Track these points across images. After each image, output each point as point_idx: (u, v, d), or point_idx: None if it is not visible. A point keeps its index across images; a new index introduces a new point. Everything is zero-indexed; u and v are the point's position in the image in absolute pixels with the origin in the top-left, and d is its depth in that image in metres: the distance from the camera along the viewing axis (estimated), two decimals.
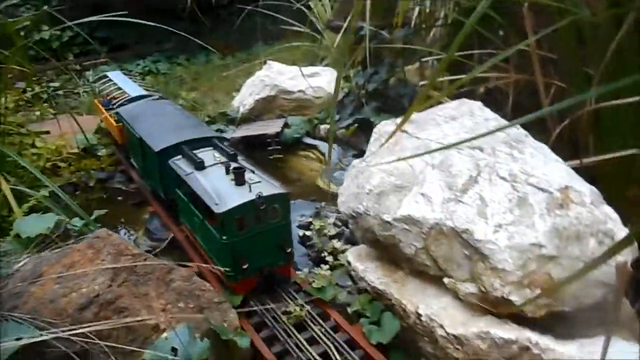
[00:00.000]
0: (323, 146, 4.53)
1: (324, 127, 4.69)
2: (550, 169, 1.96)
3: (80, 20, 3.26)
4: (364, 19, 4.29)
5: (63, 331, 1.49)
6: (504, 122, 2.31)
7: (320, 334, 2.24)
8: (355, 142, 4.40)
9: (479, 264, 1.88)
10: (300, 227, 3.28)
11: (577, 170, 2.05)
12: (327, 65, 5.90)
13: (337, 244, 2.99)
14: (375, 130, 2.60)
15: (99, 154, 4.44)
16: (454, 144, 2.03)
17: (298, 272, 2.71)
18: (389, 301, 2.27)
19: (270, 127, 4.73)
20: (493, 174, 1.99)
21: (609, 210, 1.85)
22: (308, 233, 3.16)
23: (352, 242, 2.97)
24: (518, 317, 1.83)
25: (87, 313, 1.76)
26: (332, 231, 3.15)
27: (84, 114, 5.53)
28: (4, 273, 1.94)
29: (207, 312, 1.99)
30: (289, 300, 2.43)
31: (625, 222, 1.86)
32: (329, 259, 2.86)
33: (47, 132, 4.31)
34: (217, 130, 4.67)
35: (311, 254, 3.03)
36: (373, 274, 2.39)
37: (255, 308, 2.34)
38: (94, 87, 5.08)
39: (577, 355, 1.68)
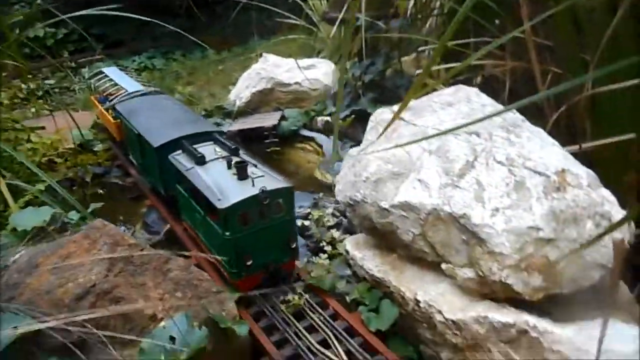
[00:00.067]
0: (320, 138, 4.52)
1: (320, 119, 4.68)
2: (547, 152, 1.95)
3: (75, 14, 3.23)
4: (359, 10, 4.27)
5: (59, 319, 1.48)
6: (500, 107, 2.30)
7: (319, 322, 2.24)
8: (353, 133, 4.39)
9: (476, 248, 1.88)
10: (298, 217, 3.28)
11: (575, 155, 2.05)
12: (323, 57, 5.88)
13: (335, 233, 2.99)
14: (371, 118, 2.59)
15: (95, 149, 4.43)
16: (451, 130, 2.02)
17: (297, 262, 2.71)
18: (387, 289, 2.27)
19: (267, 119, 4.72)
20: (490, 158, 1.98)
21: (606, 192, 1.84)
22: (306, 223, 3.15)
23: (350, 232, 2.97)
24: (516, 301, 1.83)
25: (83, 303, 1.76)
26: (331, 221, 3.15)
27: (79, 110, 5.51)
28: (1, 265, 1.94)
29: (205, 301, 1.99)
30: (288, 290, 2.42)
31: (623, 207, 1.86)
32: (328, 248, 2.86)
33: (43, 128, 4.30)
34: (214, 124, 4.66)
35: (309, 244, 3.03)
36: (371, 262, 2.39)
37: (253, 293, 2.32)
38: (89, 84, 5.02)
39: (575, 337, 1.68)
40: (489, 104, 2.30)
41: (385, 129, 2.25)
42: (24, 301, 1.74)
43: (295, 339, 2.15)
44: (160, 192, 3.24)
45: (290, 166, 4.44)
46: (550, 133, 2.20)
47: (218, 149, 2.71)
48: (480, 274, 1.87)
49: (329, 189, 3.55)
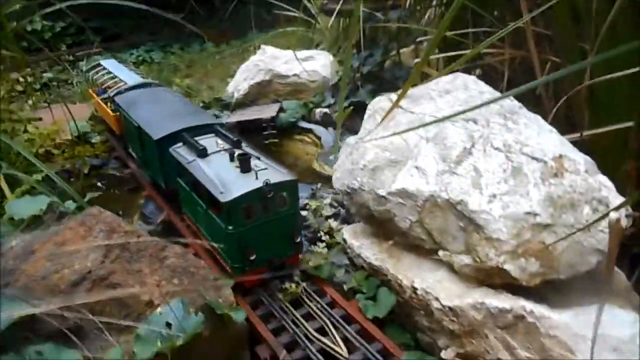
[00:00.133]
0: (318, 130, 4.51)
1: (319, 111, 4.67)
2: (545, 138, 1.94)
3: (73, 2, 3.20)
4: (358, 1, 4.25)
5: (54, 304, 1.48)
6: (498, 94, 2.29)
7: (317, 310, 2.24)
8: (351, 124, 4.37)
9: (473, 234, 1.88)
10: None
11: (574, 144, 2.04)
12: (322, 49, 5.86)
13: (333, 223, 2.99)
14: (369, 106, 2.58)
15: (93, 141, 4.42)
16: (448, 117, 2.02)
17: None
18: (384, 277, 2.26)
19: (265, 111, 4.71)
20: (487, 144, 1.98)
21: (603, 178, 1.83)
22: (304, 213, 3.15)
23: (348, 221, 2.97)
24: (513, 287, 1.82)
25: (79, 289, 1.75)
26: (328, 211, 3.15)
27: (77, 103, 5.49)
28: None
29: (202, 288, 1.98)
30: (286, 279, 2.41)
31: (621, 194, 1.85)
32: (325, 238, 2.85)
33: (40, 119, 4.29)
34: (213, 116, 4.64)
35: (307, 234, 3.03)
36: (369, 250, 2.39)
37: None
38: (87, 76, 4.98)
39: (572, 323, 1.67)
40: (487, 92, 2.29)
41: (384, 117, 2.24)
42: (20, 287, 1.74)
43: (293, 326, 2.16)
44: (160, 186, 3.19)
45: (289, 158, 4.43)
46: (550, 123, 2.19)
47: (220, 141, 2.66)
48: (477, 260, 1.87)
49: (327, 180, 3.54)
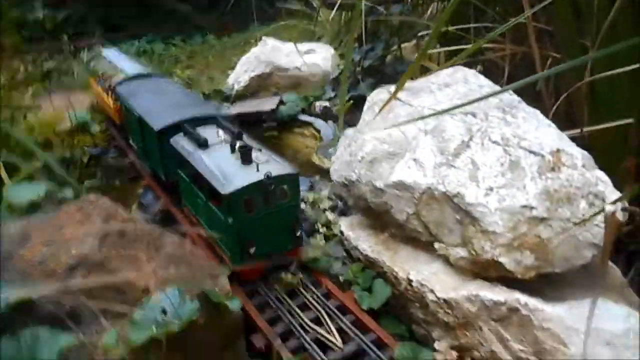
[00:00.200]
0: (318, 123, 4.50)
1: (319, 104, 4.66)
2: (543, 132, 1.94)
3: None
4: None
5: (51, 288, 1.49)
6: (497, 88, 2.29)
7: (313, 301, 2.25)
8: (351, 118, 4.36)
9: (469, 227, 1.88)
10: None
11: (573, 141, 2.03)
12: (324, 43, 5.85)
13: (330, 216, 2.99)
14: (368, 98, 2.58)
15: (92, 130, 4.41)
16: (448, 110, 2.03)
17: None
18: (380, 269, 2.27)
19: (265, 104, 4.70)
20: (485, 138, 1.98)
21: (600, 173, 1.84)
22: (302, 206, 3.15)
23: (345, 214, 2.97)
24: (508, 280, 1.83)
25: (76, 274, 1.75)
26: (326, 204, 3.15)
27: (77, 93, 5.48)
28: None
29: (198, 277, 1.99)
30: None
31: (619, 190, 1.85)
32: (323, 230, 2.86)
33: (39, 107, 4.28)
34: None
35: (305, 226, 3.02)
36: (365, 242, 2.39)
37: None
38: (89, 66, 4.97)
39: (566, 316, 1.68)
40: (486, 85, 2.29)
41: (382, 108, 2.25)
42: (17, 271, 1.74)
43: (289, 316, 2.16)
44: (160, 178, 3.16)
45: (288, 151, 4.42)
46: (550, 120, 2.18)
47: (221, 133, 2.64)
48: (473, 252, 1.87)
49: (326, 173, 3.54)
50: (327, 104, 4.65)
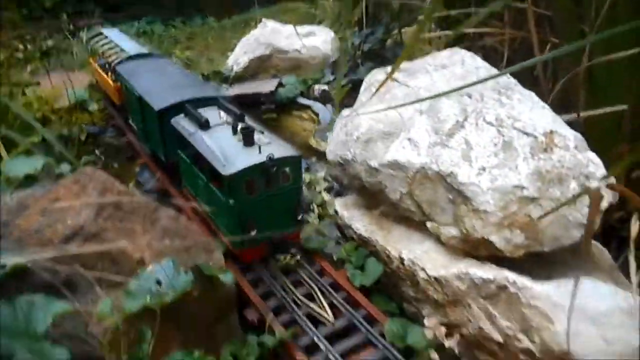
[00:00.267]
0: (317, 106, 4.49)
1: (318, 88, 4.65)
2: (537, 114, 1.96)
3: None
4: None
5: (47, 255, 1.51)
6: (494, 71, 2.29)
7: (306, 278, 2.28)
8: (349, 102, 4.36)
9: (461, 206, 1.90)
10: None
11: (570, 126, 2.04)
12: (325, 26, 5.82)
13: (326, 196, 3.02)
14: (365, 79, 2.59)
15: (90, 109, 4.40)
16: (445, 93, 2.03)
17: None
18: (373, 248, 2.30)
19: (264, 86, 4.69)
20: (480, 118, 1.99)
21: (592, 155, 1.86)
22: None
23: (340, 195, 2.99)
24: (497, 259, 1.86)
25: (71, 244, 1.78)
26: (322, 185, 3.17)
27: (76, 71, 5.47)
28: None
29: (193, 251, 2.01)
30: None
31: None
32: (318, 210, 2.89)
33: (38, 84, 4.27)
34: None
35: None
36: (359, 222, 2.42)
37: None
38: (89, 45, 4.91)
39: (553, 294, 1.71)
40: (483, 67, 2.30)
41: (378, 88, 2.25)
42: (14, 240, 1.77)
43: (282, 292, 2.20)
44: (160, 159, 3.13)
45: (286, 133, 4.43)
46: (549, 105, 2.19)
47: (223, 114, 2.61)
48: (464, 231, 1.90)
49: (323, 155, 3.56)
50: (326, 87, 4.65)
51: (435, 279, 1.98)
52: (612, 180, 1.46)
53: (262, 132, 2.38)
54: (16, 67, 5.82)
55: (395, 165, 2.11)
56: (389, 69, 2.45)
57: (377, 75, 2.54)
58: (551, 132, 1.86)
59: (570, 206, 1.74)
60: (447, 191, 1.96)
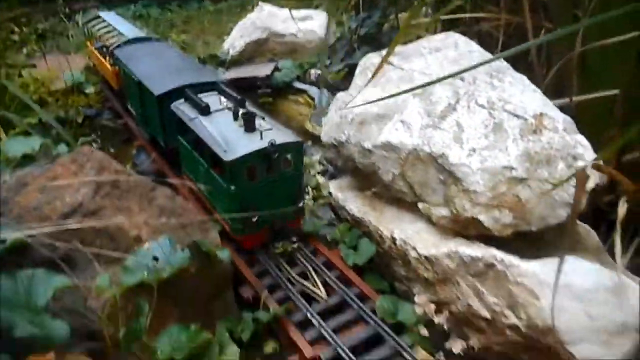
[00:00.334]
0: (312, 91, 4.51)
1: (314, 72, 4.67)
2: (528, 97, 1.99)
3: None
4: None
5: (45, 229, 1.55)
6: (487, 54, 2.32)
7: (300, 257, 2.32)
8: (346, 86, 4.39)
9: (452, 187, 1.95)
10: None
11: (562, 111, 2.07)
12: (322, 10, 5.80)
13: (320, 179, 3.05)
14: (360, 63, 2.62)
15: (87, 91, 4.41)
16: (440, 79, 2.05)
17: None
18: (366, 228, 2.35)
19: (260, 70, 4.70)
20: (472, 101, 2.03)
21: (580, 137, 1.90)
22: None
23: (335, 177, 3.03)
24: (486, 238, 1.91)
25: (70, 221, 1.81)
26: (317, 168, 3.21)
27: (72, 53, 5.45)
28: None
29: (189, 229, 2.05)
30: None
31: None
32: (313, 192, 2.93)
33: (34, 66, 4.26)
34: None
35: None
36: (353, 203, 2.46)
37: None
38: (85, 28, 4.86)
39: (539, 271, 1.76)
40: (476, 51, 2.32)
41: (374, 74, 2.28)
42: (13, 217, 1.80)
43: (276, 270, 2.24)
44: (160, 144, 3.12)
45: (282, 117, 4.45)
46: (543, 91, 2.22)
47: (223, 99, 2.58)
48: (454, 211, 1.95)
49: (319, 139, 3.59)
50: (320, 71, 4.66)
51: (426, 257, 2.03)
52: (600, 162, 1.49)
53: (263, 118, 2.37)
54: (12, 49, 5.79)
55: (388, 146, 2.14)
56: (383, 52, 2.47)
57: (372, 58, 2.56)
58: (541, 114, 1.90)
59: (557, 186, 1.78)
60: (438, 172, 2.00)
